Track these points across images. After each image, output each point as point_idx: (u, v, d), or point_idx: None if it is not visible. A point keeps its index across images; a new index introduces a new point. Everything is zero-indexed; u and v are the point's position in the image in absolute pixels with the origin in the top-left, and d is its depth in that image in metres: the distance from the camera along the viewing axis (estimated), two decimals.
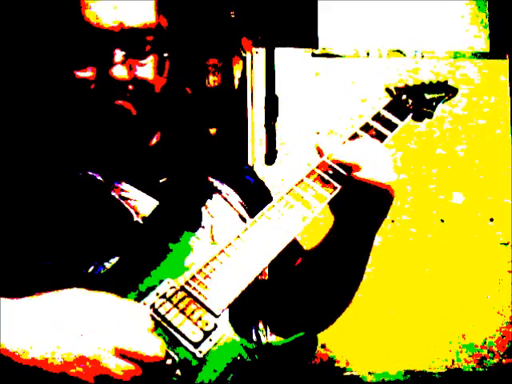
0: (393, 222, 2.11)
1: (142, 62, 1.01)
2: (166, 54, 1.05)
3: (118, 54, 0.98)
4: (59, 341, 0.74)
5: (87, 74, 0.99)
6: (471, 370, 2.11)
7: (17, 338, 0.74)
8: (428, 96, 1.25)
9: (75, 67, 0.98)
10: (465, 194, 2.16)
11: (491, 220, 2.16)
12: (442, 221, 2.15)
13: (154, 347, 0.78)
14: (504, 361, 2.12)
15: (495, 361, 2.12)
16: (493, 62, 2.21)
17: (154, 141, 1.14)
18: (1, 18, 1.33)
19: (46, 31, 1.04)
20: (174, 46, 1.10)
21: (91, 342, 0.75)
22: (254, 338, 1.03)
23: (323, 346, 2.03)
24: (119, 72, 0.97)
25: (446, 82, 1.31)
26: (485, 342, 2.12)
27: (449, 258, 2.13)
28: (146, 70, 1.02)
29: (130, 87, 1.00)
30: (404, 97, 1.21)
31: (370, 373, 2.07)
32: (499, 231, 2.15)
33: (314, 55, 2.16)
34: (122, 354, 0.75)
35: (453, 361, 2.10)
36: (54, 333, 0.75)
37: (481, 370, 2.11)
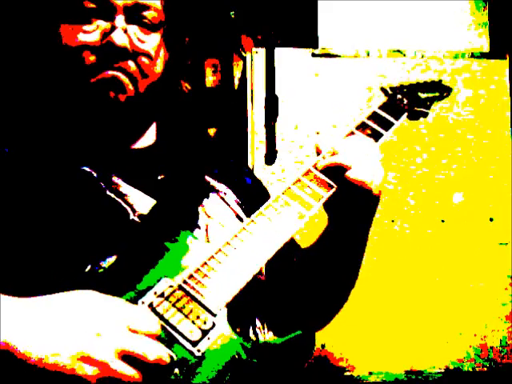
0: (393, 221, 2.11)
1: (145, 37, 1.01)
2: (168, 39, 1.05)
3: (120, 19, 0.98)
4: (67, 339, 0.74)
5: (90, 36, 0.98)
6: (471, 369, 2.10)
7: (22, 335, 0.73)
8: (422, 95, 1.27)
9: (79, 31, 0.98)
10: (465, 194, 2.16)
11: (491, 220, 2.16)
12: (443, 221, 2.15)
13: (159, 351, 0.78)
14: (504, 361, 2.12)
15: (495, 361, 2.11)
16: (493, 61, 2.20)
17: (153, 136, 1.13)
18: None
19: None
20: (175, 37, 1.10)
21: (100, 342, 0.74)
22: (252, 336, 1.03)
23: (323, 346, 2.03)
24: (119, 37, 0.97)
25: (440, 81, 1.33)
26: (485, 342, 2.11)
27: (449, 258, 2.13)
28: (148, 44, 1.02)
29: (131, 63, 1.00)
30: (399, 96, 1.23)
31: (370, 373, 2.07)
32: (499, 231, 2.15)
33: (313, 55, 2.16)
34: (126, 356, 0.75)
35: (453, 361, 2.10)
36: (61, 331, 0.74)
37: (481, 369, 2.11)
